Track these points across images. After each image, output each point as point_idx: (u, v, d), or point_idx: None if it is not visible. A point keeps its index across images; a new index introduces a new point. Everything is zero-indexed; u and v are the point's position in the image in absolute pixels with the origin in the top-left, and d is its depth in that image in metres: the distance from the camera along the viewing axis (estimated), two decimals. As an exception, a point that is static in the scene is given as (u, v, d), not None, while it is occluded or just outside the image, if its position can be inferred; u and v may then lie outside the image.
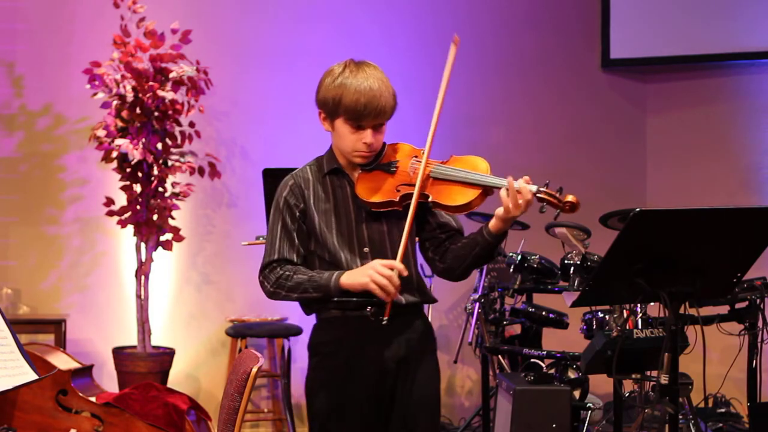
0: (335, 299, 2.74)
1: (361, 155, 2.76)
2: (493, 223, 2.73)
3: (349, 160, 2.79)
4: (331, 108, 2.75)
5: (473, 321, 5.00)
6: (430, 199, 2.71)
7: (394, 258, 2.73)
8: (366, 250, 2.76)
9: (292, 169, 2.99)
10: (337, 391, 2.78)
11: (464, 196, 2.68)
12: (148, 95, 5.38)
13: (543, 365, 4.52)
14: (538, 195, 2.66)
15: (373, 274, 2.65)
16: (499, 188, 2.69)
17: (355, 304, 2.74)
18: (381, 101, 2.71)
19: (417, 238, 2.88)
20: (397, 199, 2.73)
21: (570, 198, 2.66)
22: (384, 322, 2.66)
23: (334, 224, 2.78)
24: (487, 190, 2.72)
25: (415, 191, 2.70)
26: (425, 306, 2.95)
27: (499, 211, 2.70)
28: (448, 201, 2.70)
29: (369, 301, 2.71)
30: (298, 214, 2.79)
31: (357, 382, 2.77)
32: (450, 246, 2.83)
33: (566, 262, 4.52)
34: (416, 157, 2.78)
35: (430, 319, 6.05)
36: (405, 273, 2.67)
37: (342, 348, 2.78)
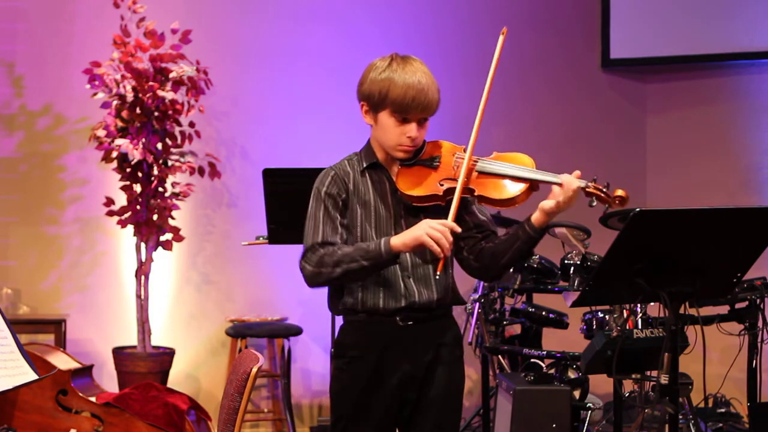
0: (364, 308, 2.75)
1: (404, 149, 2.74)
2: (537, 217, 2.70)
3: (390, 155, 2.78)
4: (376, 100, 2.73)
5: (473, 321, 5.00)
6: (475, 193, 2.71)
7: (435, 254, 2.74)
8: None
9: (293, 169, 2.99)
10: (363, 395, 2.76)
11: (510, 190, 2.68)
12: (148, 95, 5.38)
13: (543, 365, 4.52)
14: (587, 190, 2.66)
15: (427, 228, 2.61)
16: (547, 183, 2.69)
17: (384, 309, 2.73)
18: (429, 95, 2.71)
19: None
20: (441, 193, 2.72)
21: (619, 192, 2.65)
22: (437, 277, 2.68)
23: (374, 219, 2.77)
24: (534, 185, 2.71)
25: (459, 183, 2.69)
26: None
27: (547, 204, 2.68)
28: (495, 194, 2.69)
29: (402, 306, 2.72)
30: (340, 203, 2.76)
31: (383, 387, 2.76)
32: (486, 245, 2.80)
33: (566, 262, 4.52)
34: (459, 153, 2.77)
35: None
36: (458, 230, 2.65)
37: (369, 353, 2.76)
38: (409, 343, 2.75)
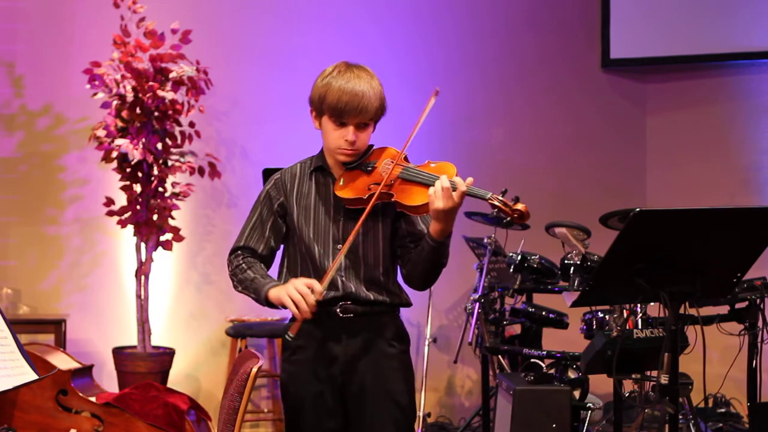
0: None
1: (344, 152, 2.82)
2: (431, 225, 2.74)
3: (335, 159, 2.85)
4: (317, 105, 2.83)
5: (473, 321, 5.00)
6: (392, 199, 2.76)
7: (370, 254, 2.81)
8: (339, 246, 2.82)
9: (292, 170, 3.02)
10: (305, 386, 2.84)
11: (423, 197, 2.70)
12: (148, 95, 5.38)
13: (543, 365, 4.52)
14: (490, 201, 2.65)
15: (290, 290, 2.70)
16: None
17: (326, 299, 2.79)
18: (363, 100, 2.77)
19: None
20: (365, 197, 2.77)
21: (519, 207, 2.63)
22: (290, 339, 2.73)
23: (312, 219, 2.86)
24: None
25: (379, 187, 2.74)
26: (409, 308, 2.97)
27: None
28: (407, 201, 2.73)
29: (337, 297, 2.79)
30: (276, 207, 2.90)
31: (322, 377, 2.83)
32: (412, 255, 2.85)
33: (566, 262, 4.52)
34: (387, 160, 2.83)
35: (429, 319, 6.07)
36: (320, 296, 2.69)
37: (310, 342, 2.84)
38: (347, 335, 2.82)
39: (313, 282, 2.71)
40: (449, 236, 2.75)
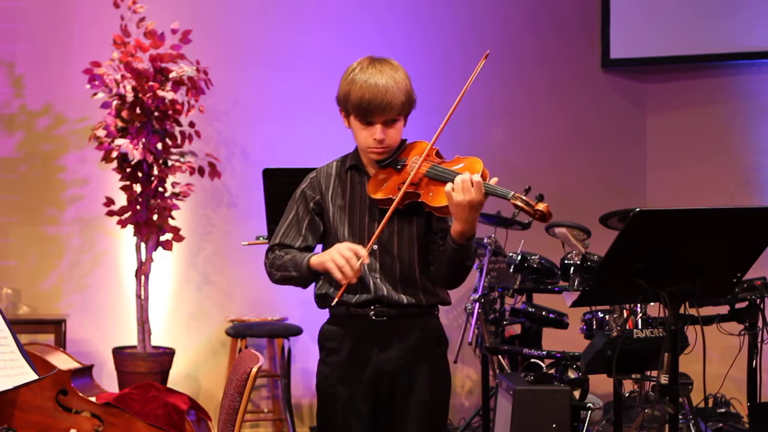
0: (333, 298, 2.76)
1: (374, 151, 2.76)
2: (452, 226, 2.69)
3: (368, 157, 2.80)
4: (344, 105, 2.78)
5: (473, 321, 5.00)
6: (420, 199, 2.70)
7: (405, 253, 2.76)
8: (375, 246, 2.76)
9: (292, 169, 3.01)
10: (337, 388, 2.80)
11: (445, 198, 2.64)
12: (148, 95, 5.37)
13: (543, 365, 4.52)
14: (511, 201, 2.60)
15: (333, 254, 2.65)
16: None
17: (355, 303, 2.76)
18: (387, 97, 2.70)
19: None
20: (395, 198, 2.71)
21: (541, 207, 2.58)
22: (333, 303, 2.71)
23: (347, 219, 2.80)
24: None
25: (403, 188, 2.69)
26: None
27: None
28: (433, 202, 2.68)
29: (369, 300, 2.75)
30: (312, 205, 2.84)
31: (355, 380, 2.79)
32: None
33: (566, 262, 4.52)
34: (415, 157, 2.76)
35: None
36: (367, 261, 2.65)
37: (343, 345, 2.81)
38: (381, 338, 2.78)
39: (357, 247, 2.65)
40: (471, 239, 2.68)
